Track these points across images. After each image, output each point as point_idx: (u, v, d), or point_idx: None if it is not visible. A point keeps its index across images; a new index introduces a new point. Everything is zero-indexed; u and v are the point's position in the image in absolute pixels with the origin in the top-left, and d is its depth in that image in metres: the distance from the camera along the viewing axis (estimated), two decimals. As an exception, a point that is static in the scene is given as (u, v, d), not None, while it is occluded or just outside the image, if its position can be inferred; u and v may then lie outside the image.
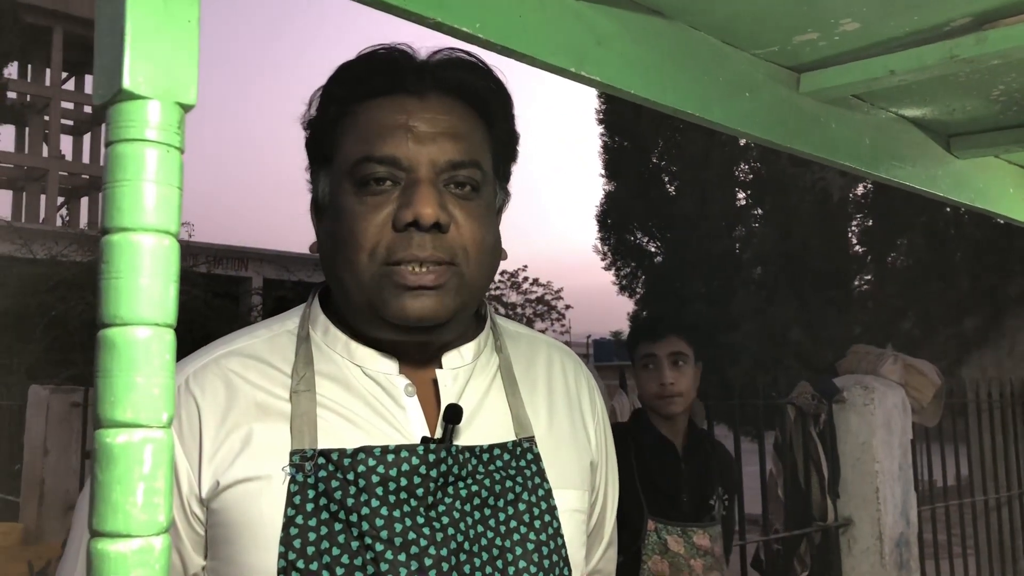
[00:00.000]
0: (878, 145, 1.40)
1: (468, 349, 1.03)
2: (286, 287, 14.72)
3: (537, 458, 1.00)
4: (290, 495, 0.90)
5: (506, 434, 1.00)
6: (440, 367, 1.00)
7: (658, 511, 2.39)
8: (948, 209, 10.62)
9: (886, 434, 4.25)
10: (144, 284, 0.55)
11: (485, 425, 0.99)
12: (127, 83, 0.55)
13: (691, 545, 2.40)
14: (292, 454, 0.91)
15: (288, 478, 0.90)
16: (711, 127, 1.14)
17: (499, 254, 1.01)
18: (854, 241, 11.16)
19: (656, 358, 2.47)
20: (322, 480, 0.90)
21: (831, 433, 4.14)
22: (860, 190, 10.97)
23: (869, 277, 11.23)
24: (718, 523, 2.49)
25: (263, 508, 0.90)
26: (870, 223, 11.01)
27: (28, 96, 32.53)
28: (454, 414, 0.95)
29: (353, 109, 0.97)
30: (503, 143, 1.02)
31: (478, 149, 0.97)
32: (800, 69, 1.25)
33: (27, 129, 33.34)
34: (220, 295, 12.45)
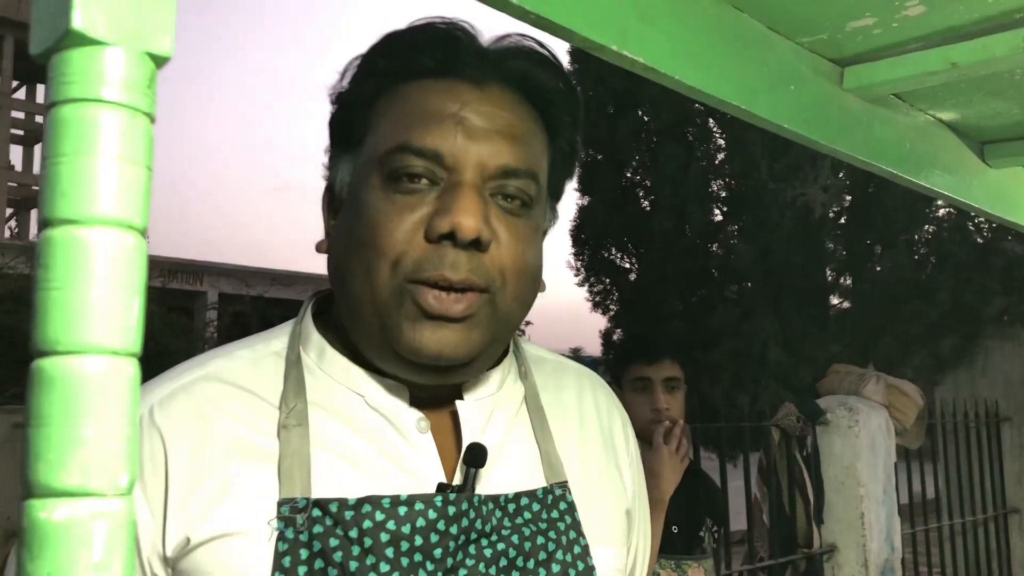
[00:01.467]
0: (918, 150, 1.29)
1: (493, 377, 0.87)
2: (244, 302, 14.42)
3: (571, 508, 0.85)
4: (278, 556, 0.73)
5: (535, 479, 0.85)
6: (459, 397, 0.84)
7: None
8: (930, 227, 10.71)
9: (871, 457, 4.17)
10: (97, 297, 0.39)
11: (510, 468, 0.84)
12: (77, 22, 0.40)
13: None
14: (280, 504, 0.75)
15: (275, 534, 0.74)
16: (754, 121, 1.01)
17: (539, 283, 0.85)
18: (833, 258, 11.18)
19: (650, 382, 2.36)
20: (318, 537, 0.74)
21: (815, 456, 4.04)
22: (839, 207, 11.01)
23: (849, 295, 11.26)
24: (710, 556, 2.40)
25: (245, 571, 0.73)
26: (849, 240, 11.05)
27: (36, 117, 32.01)
28: (477, 455, 0.79)
29: (395, 87, 0.81)
30: (564, 156, 0.87)
31: (536, 158, 0.82)
32: (843, 63, 1.13)
33: (35, 149, 32.82)
34: (175, 309, 12.17)
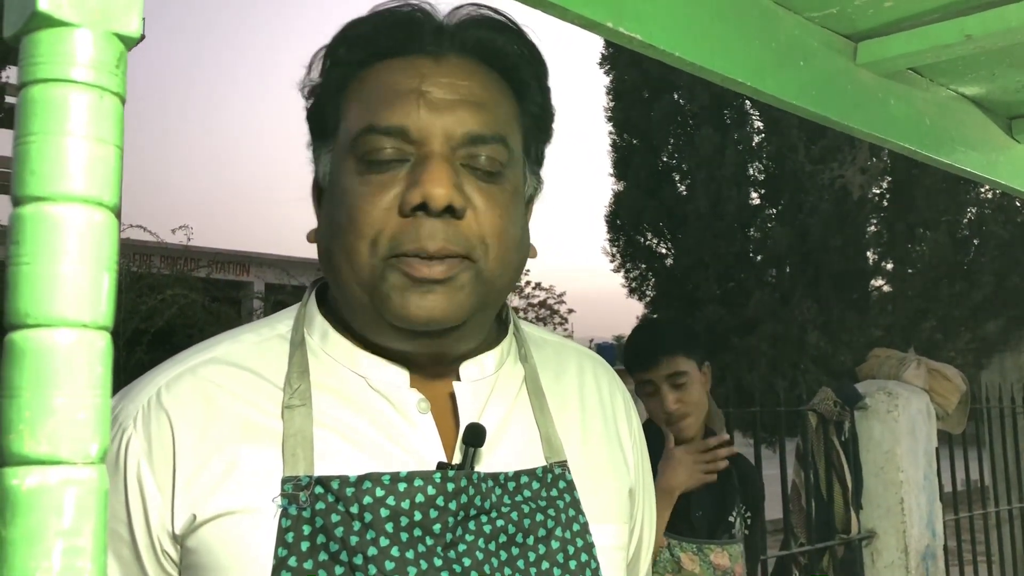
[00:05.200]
0: (938, 126, 1.26)
1: (490, 358, 0.88)
2: (286, 291, 14.60)
3: (571, 486, 0.86)
4: (282, 531, 0.75)
5: (534, 458, 0.86)
6: (458, 379, 0.86)
7: (670, 526, 2.22)
8: (972, 208, 10.46)
9: (911, 442, 4.10)
10: (66, 272, 0.41)
11: (510, 448, 0.85)
12: (44, 4, 0.41)
13: (707, 563, 2.24)
14: (284, 482, 0.76)
15: (279, 511, 0.76)
16: (761, 98, 1.00)
17: (526, 250, 0.86)
18: (874, 241, 10.97)
19: (654, 384, 2.29)
20: (320, 514, 0.76)
21: (854, 441, 3.98)
22: (879, 188, 10.80)
23: (889, 278, 11.04)
24: (738, 541, 2.31)
25: (249, 547, 0.75)
26: (890, 222, 10.83)
27: None
28: (475, 435, 0.80)
29: (359, 74, 0.83)
30: (535, 118, 0.87)
31: (504, 123, 0.82)
32: (857, 37, 1.11)
33: None
34: (219, 300, 12.32)
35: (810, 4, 1.02)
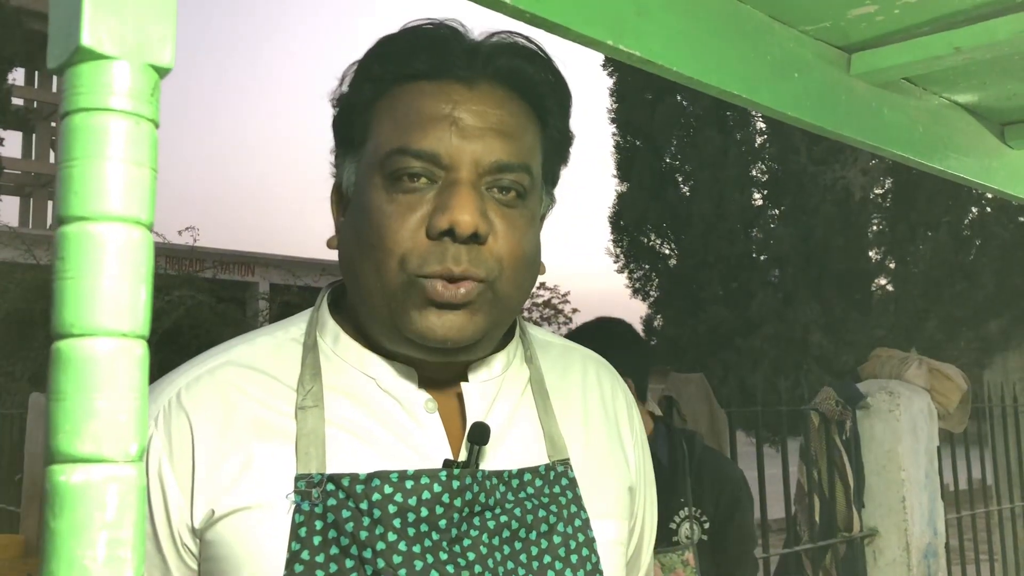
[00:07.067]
0: (931, 133, 1.29)
1: (497, 360, 0.92)
2: (292, 292, 14.66)
3: (573, 483, 0.89)
4: (295, 526, 0.79)
5: (538, 456, 0.89)
6: (465, 380, 0.89)
7: None
8: (974, 209, 10.46)
9: (912, 441, 4.13)
10: (107, 286, 0.44)
11: (514, 446, 0.89)
12: (87, 39, 0.44)
13: None
14: (297, 479, 0.81)
15: (293, 507, 0.80)
16: (757, 110, 1.03)
17: (537, 268, 0.90)
18: (876, 241, 10.98)
19: None
20: (331, 509, 0.80)
21: (855, 440, 4.01)
22: (881, 189, 10.81)
23: (891, 278, 11.05)
24: (685, 548, 2.17)
25: (264, 541, 0.79)
26: (893, 223, 10.84)
27: (35, 102, 32.52)
28: (481, 434, 0.84)
29: (391, 91, 0.86)
30: (556, 144, 0.91)
31: (529, 151, 0.86)
32: (851, 49, 1.14)
33: (34, 135, 33.36)
34: (225, 300, 12.37)
35: (804, 18, 1.05)
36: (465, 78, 0.84)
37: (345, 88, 0.89)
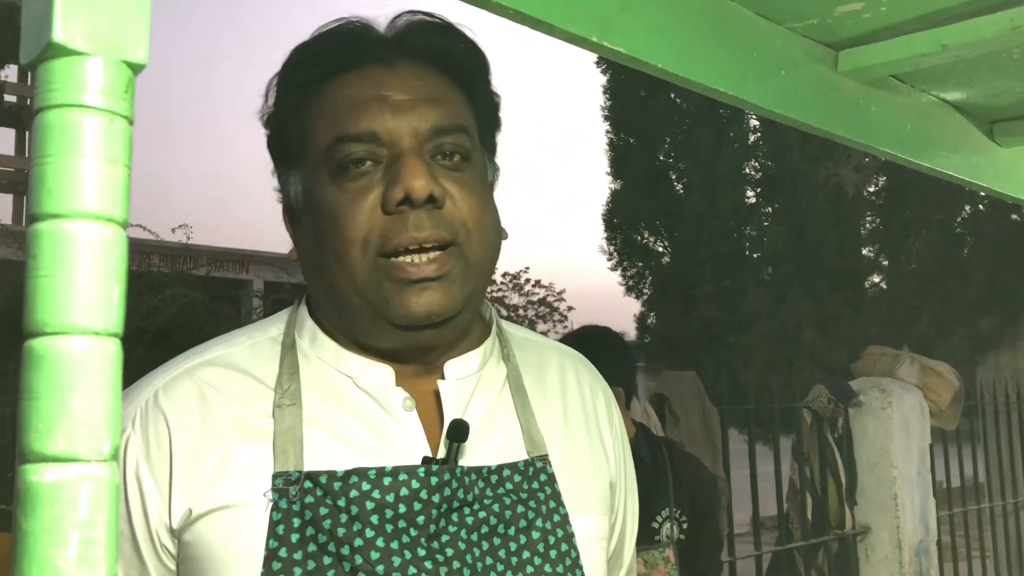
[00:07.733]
0: (920, 131, 1.29)
1: (473, 357, 0.92)
2: (285, 289, 14.63)
3: (552, 479, 0.89)
4: (272, 524, 0.79)
5: (516, 453, 0.89)
6: (442, 377, 0.89)
7: None
8: (967, 207, 10.49)
9: (904, 438, 4.14)
10: (80, 283, 0.44)
11: (493, 443, 0.89)
12: (58, 35, 0.44)
13: None
14: (275, 477, 0.80)
15: (270, 505, 0.80)
16: (744, 107, 1.03)
17: (500, 232, 0.91)
18: (869, 239, 11.01)
19: None
20: (309, 507, 0.80)
21: (847, 438, 4.02)
22: (874, 186, 10.84)
23: (884, 276, 11.08)
24: (665, 547, 2.23)
25: (242, 539, 0.79)
26: (885, 220, 10.87)
27: (28, 99, 32.36)
28: (459, 431, 0.84)
29: (317, 91, 0.88)
30: (485, 109, 0.93)
31: (461, 114, 0.88)
32: (838, 46, 1.14)
33: (27, 133, 33.23)
34: (219, 298, 12.33)
35: (791, 15, 1.05)
36: (385, 60, 0.87)
37: (270, 104, 0.91)
